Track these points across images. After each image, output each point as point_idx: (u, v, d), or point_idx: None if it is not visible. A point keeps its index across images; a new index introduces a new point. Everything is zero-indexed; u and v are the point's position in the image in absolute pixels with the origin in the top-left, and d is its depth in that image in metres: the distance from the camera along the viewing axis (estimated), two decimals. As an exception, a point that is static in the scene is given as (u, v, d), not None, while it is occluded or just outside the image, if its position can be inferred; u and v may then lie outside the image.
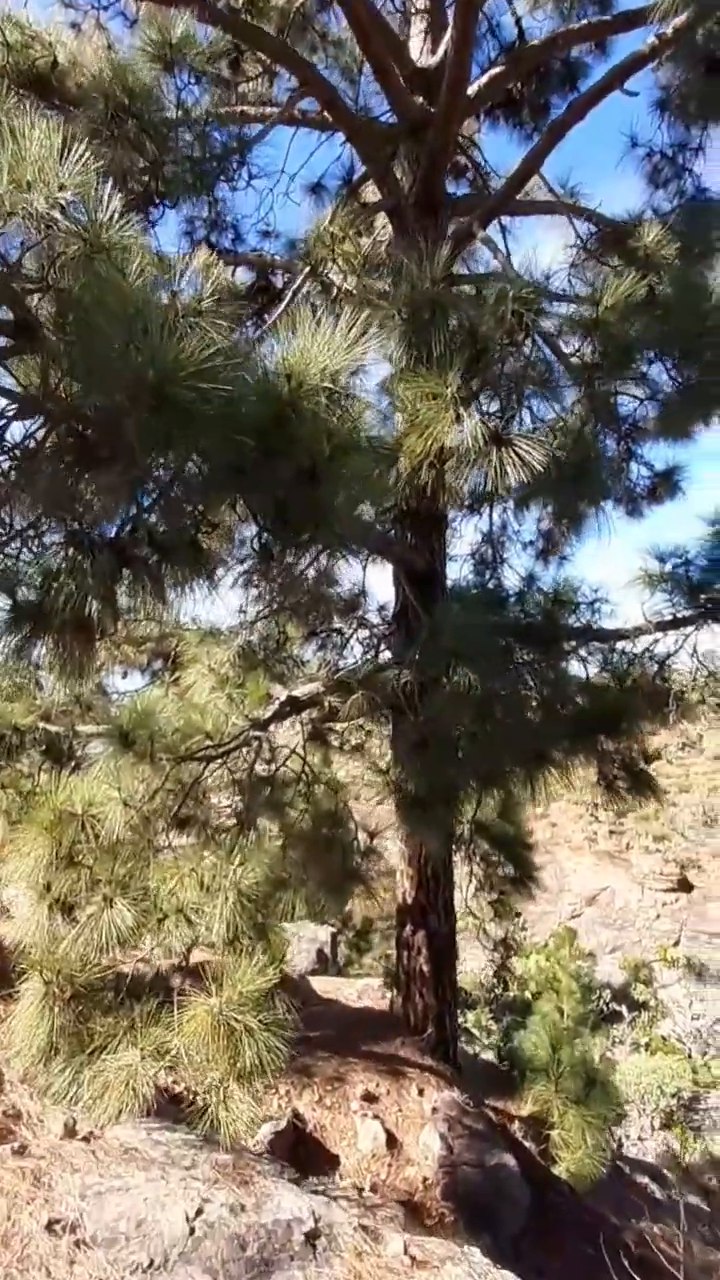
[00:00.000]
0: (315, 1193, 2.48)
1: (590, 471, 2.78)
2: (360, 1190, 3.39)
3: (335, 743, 5.81)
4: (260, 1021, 2.49)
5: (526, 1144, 4.45)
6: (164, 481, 1.56)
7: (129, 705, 3.13)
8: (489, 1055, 10.77)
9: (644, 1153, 11.84)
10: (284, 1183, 2.38)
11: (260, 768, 3.92)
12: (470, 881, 5.26)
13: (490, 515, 6.30)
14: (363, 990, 7.15)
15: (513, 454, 2.36)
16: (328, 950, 9.77)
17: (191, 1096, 2.49)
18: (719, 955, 18.73)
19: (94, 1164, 2.24)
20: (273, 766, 3.47)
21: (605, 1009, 16.83)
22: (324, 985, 7.20)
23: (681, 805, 23.27)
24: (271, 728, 3.69)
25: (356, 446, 1.74)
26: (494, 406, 2.74)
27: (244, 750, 3.48)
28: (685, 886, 21.32)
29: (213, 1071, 2.38)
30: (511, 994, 15.97)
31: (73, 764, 4.19)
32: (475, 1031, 13.16)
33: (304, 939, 9.49)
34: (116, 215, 1.78)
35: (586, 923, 21.00)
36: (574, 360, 2.89)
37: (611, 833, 22.72)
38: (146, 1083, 2.38)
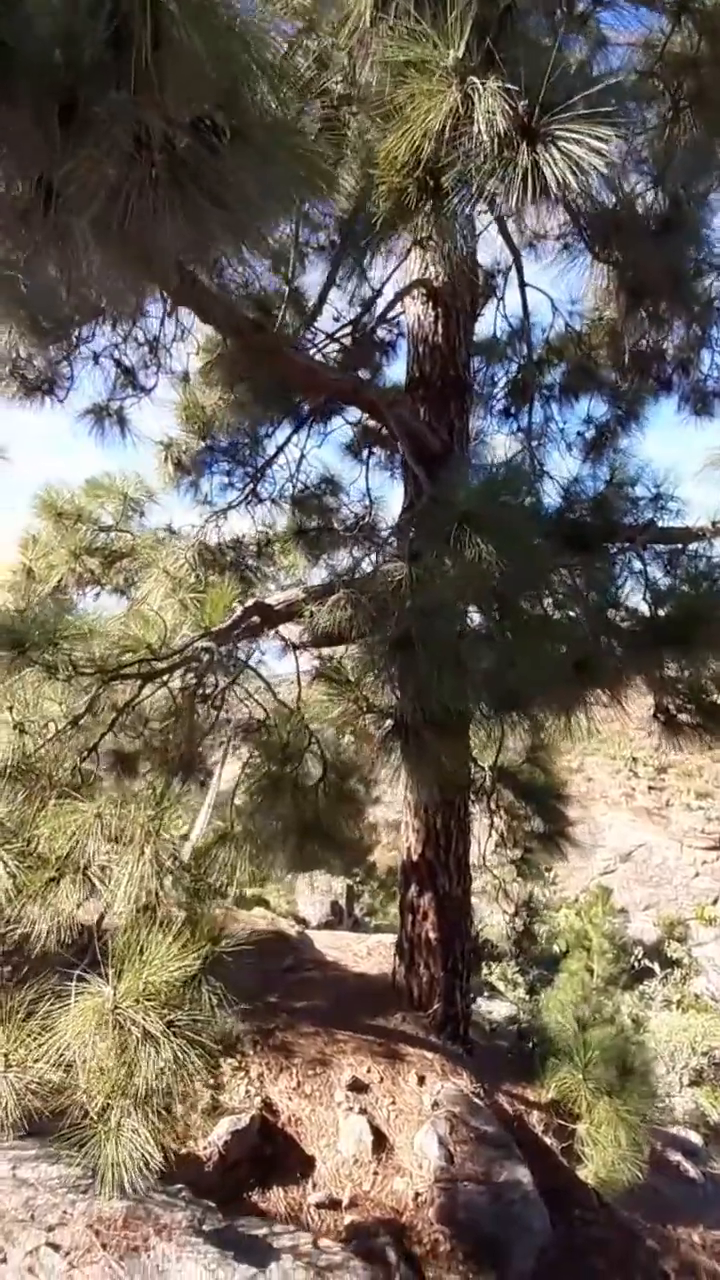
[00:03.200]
0: (250, 1250, 1.81)
1: (685, 224, 1.80)
2: (337, 1204, 2.76)
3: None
4: (170, 1025, 1.80)
5: (548, 1140, 3.80)
6: None
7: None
8: (508, 1009, 10.27)
9: (671, 1109, 11.44)
10: (200, 1246, 1.71)
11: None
12: (490, 836, 4.49)
13: (529, 409, 5.26)
14: (373, 947, 6.57)
15: (552, 154, 1.42)
16: (343, 902, 9.29)
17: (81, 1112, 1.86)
18: (760, 915, 17.94)
19: None
20: (221, 685, 2.70)
21: (637, 965, 16.33)
22: (331, 941, 6.65)
23: (727, 761, 22.18)
24: (230, 644, 2.90)
25: None
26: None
27: (193, 667, 2.71)
28: (728, 845, 20.39)
29: (98, 1089, 1.71)
30: (539, 948, 15.53)
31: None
32: (500, 985, 12.77)
33: (318, 890, 8.99)
34: None
35: (620, 879, 20.42)
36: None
37: (651, 789, 21.78)
38: (9, 1098, 1.74)
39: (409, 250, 3.13)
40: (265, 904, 7.69)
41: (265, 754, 2.35)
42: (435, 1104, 3.25)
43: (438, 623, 1.70)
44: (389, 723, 1.88)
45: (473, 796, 4.37)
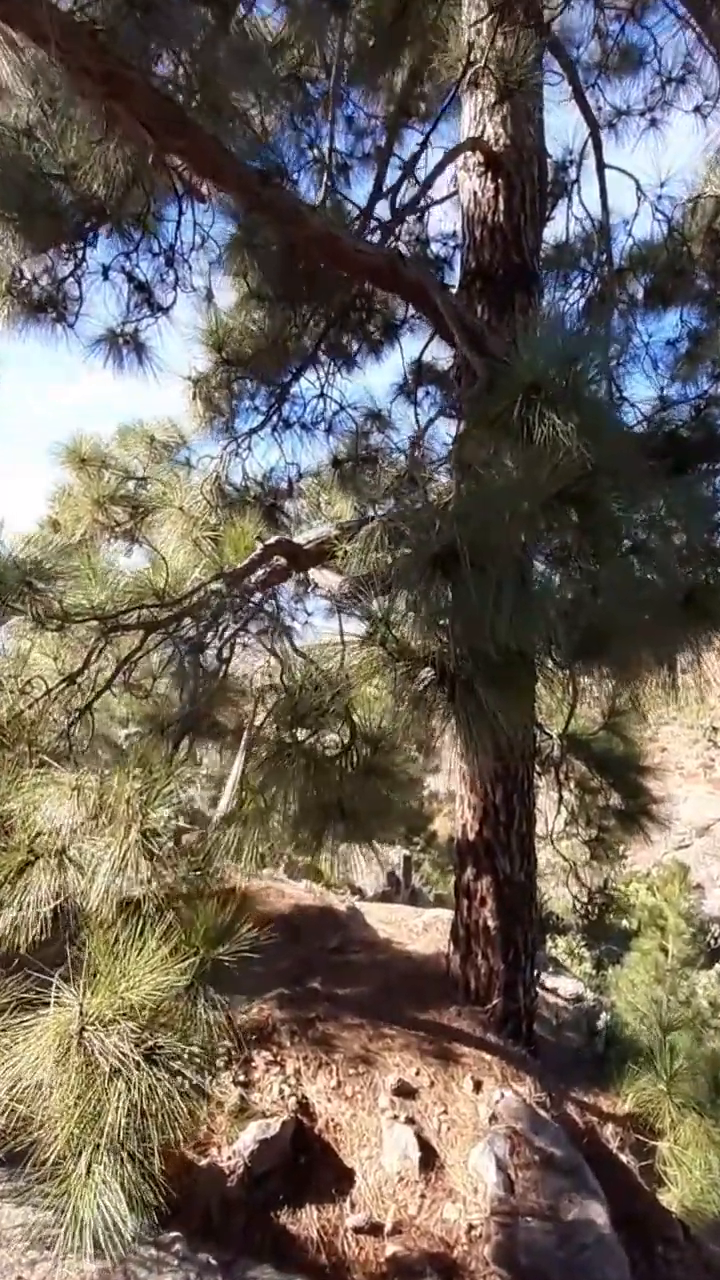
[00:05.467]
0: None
1: None
2: (378, 1229, 2.41)
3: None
4: (149, 1051, 1.44)
5: (624, 1158, 3.34)
6: None
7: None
8: (574, 985, 9.78)
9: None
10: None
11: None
12: (559, 813, 3.97)
13: (607, 323, 4.51)
14: (429, 923, 6.20)
15: None
16: (400, 873, 8.98)
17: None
18: None
19: None
20: (230, 631, 2.28)
21: (713, 944, 15.48)
22: (385, 915, 6.32)
23: None
24: (247, 588, 2.47)
25: None
26: None
27: (202, 614, 2.30)
28: None
29: (63, 1127, 1.38)
30: (608, 922, 14.92)
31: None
32: (566, 960, 12.31)
33: (373, 860, 8.69)
34: None
35: (696, 853, 19.44)
36: None
37: (732, 760, 20.40)
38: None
39: (459, 82, 2.51)
40: (318, 873, 7.45)
41: (275, 717, 1.93)
42: (493, 1117, 2.84)
43: (493, 532, 1.20)
44: (429, 672, 1.41)
45: (538, 768, 3.85)
